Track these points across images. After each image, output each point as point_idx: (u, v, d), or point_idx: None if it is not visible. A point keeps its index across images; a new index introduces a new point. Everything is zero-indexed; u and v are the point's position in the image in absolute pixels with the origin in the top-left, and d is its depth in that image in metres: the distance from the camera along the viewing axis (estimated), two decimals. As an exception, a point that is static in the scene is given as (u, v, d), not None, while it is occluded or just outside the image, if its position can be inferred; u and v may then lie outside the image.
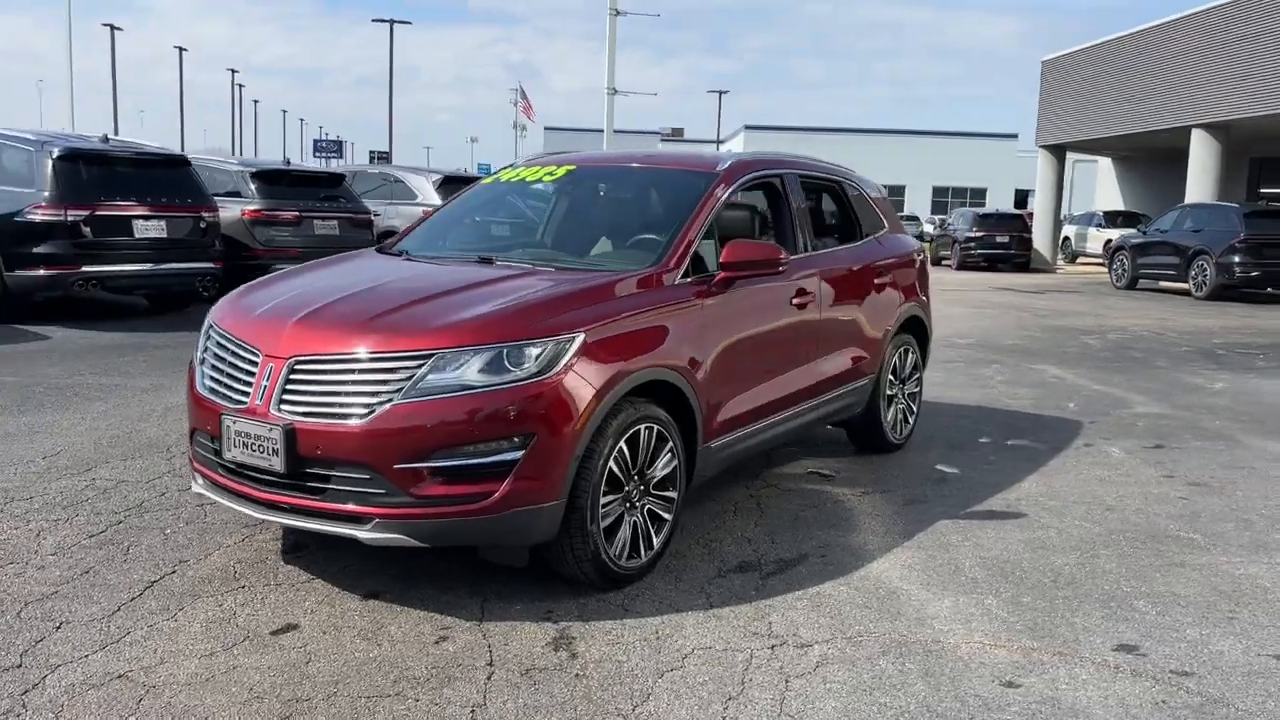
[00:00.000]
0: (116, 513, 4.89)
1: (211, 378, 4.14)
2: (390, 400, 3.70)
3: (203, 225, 11.31)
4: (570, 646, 3.64)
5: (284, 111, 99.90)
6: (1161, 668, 3.60)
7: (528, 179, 5.60)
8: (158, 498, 5.13)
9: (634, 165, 5.55)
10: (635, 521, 4.20)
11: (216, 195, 12.67)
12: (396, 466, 3.67)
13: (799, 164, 5.86)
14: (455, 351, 3.74)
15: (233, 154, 56.09)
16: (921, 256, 6.93)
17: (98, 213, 10.34)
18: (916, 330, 6.71)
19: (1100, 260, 30.71)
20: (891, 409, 6.42)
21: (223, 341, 4.18)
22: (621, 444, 4.05)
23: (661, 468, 4.30)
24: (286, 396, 3.83)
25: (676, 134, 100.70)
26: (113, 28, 54.35)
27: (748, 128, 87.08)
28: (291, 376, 3.85)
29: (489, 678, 3.40)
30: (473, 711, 3.18)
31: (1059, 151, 32.61)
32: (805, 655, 3.63)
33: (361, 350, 3.81)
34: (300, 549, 4.49)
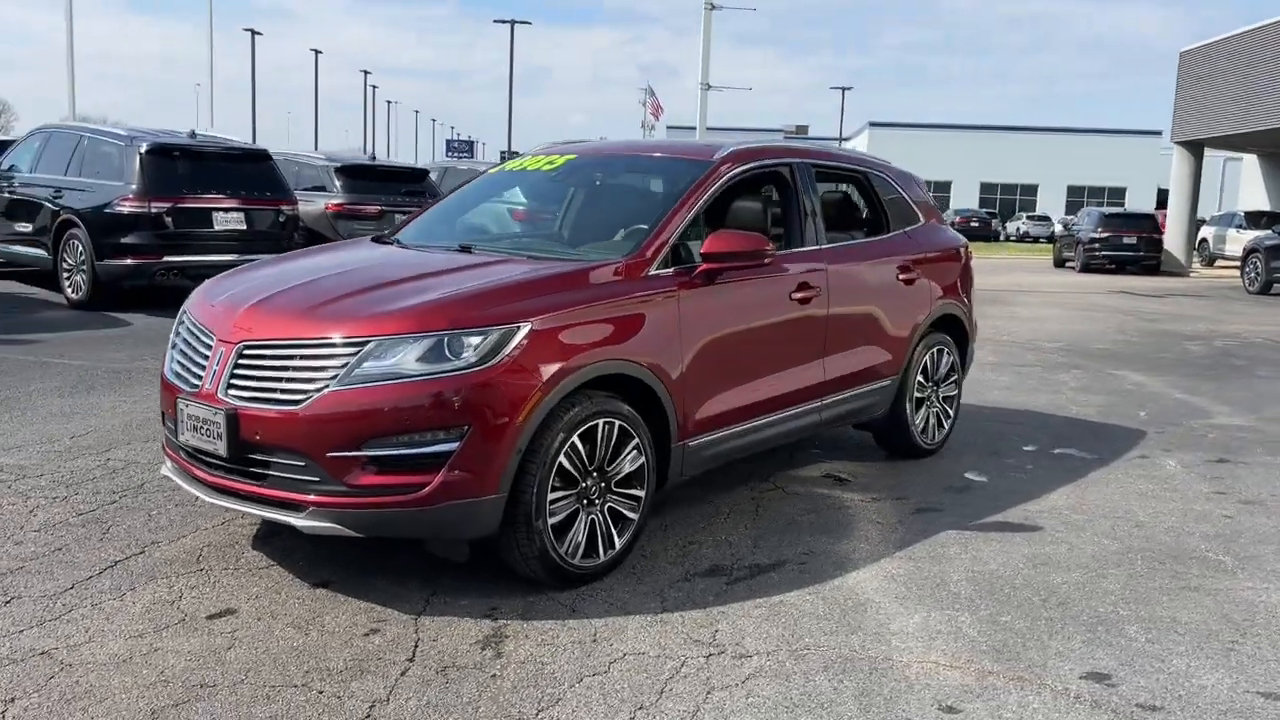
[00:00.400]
0: (115, 493, 5.01)
1: (178, 361, 4.19)
2: (326, 387, 3.66)
3: (282, 218, 11.61)
4: (499, 645, 3.54)
5: (416, 112, 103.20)
6: (1128, 700, 3.27)
7: (529, 169, 5.51)
8: (159, 480, 5.23)
9: (631, 155, 5.41)
10: (594, 519, 4.06)
11: (303, 189, 13.01)
12: (329, 454, 3.62)
13: (813, 154, 5.60)
14: (392, 339, 3.68)
15: (363, 154, 58.50)
16: (966, 253, 6.57)
17: (180, 205, 10.73)
18: (954, 330, 6.36)
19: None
20: (922, 412, 6.11)
21: (189, 326, 4.22)
22: (575, 439, 3.91)
23: (626, 465, 4.15)
24: (234, 381, 3.83)
25: (801, 131, 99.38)
26: (253, 32, 56.83)
27: (873, 125, 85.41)
28: (239, 361, 3.85)
29: (403, 673, 3.32)
30: (371, 707, 3.11)
31: (1196, 148, 30.85)
32: (740, 666, 3.43)
33: (303, 336, 3.78)
34: (272, 535, 4.50)
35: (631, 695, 3.22)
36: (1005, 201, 71.05)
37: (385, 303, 3.90)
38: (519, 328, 3.77)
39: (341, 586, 4.00)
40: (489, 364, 3.69)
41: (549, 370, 3.80)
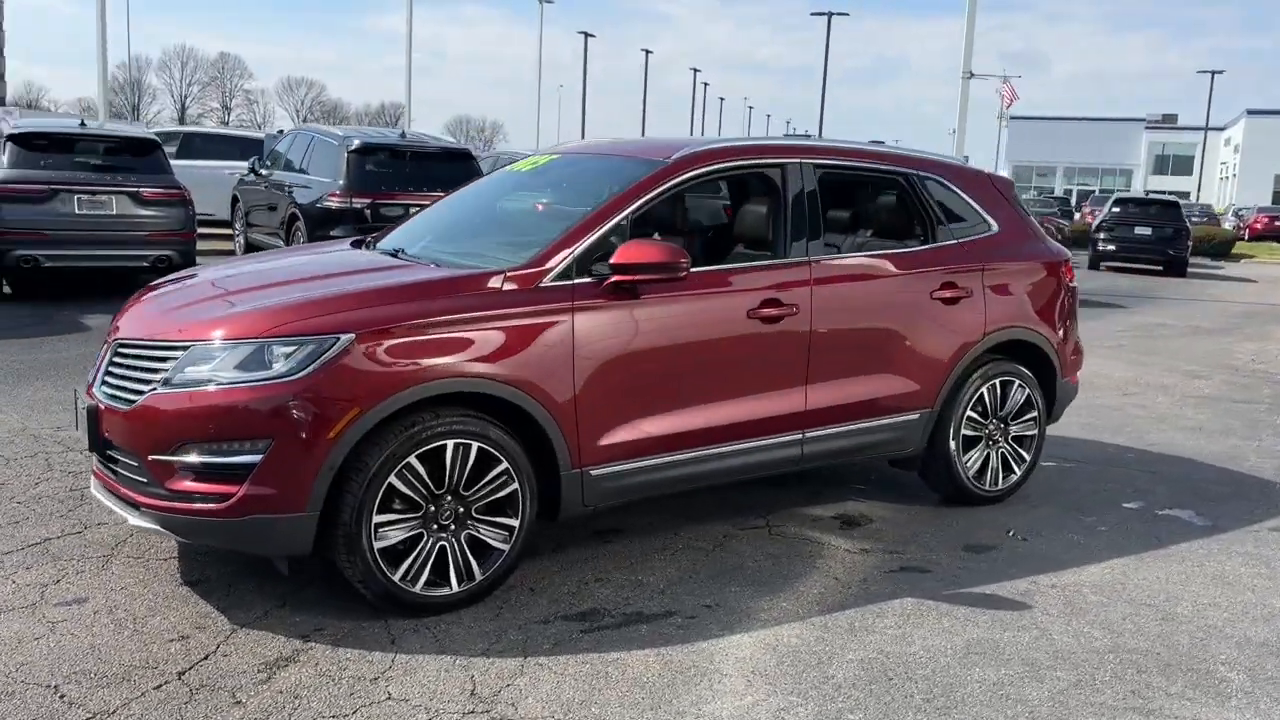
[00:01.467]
0: (83, 474, 5.24)
1: None
2: (153, 389, 3.67)
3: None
4: (279, 672, 3.39)
5: (749, 107, 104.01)
6: None
7: (521, 170, 5.27)
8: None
9: (599, 155, 5.03)
10: (446, 547, 3.81)
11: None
12: (151, 457, 3.64)
13: (820, 153, 4.94)
14: (207, 345, 3.63)
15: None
16: (1062, 270, 5.56)
17: (378, 201, 11.39)
18: (1031, 359, 5.41)
19: None
20: (975, 453, 5.25)
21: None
22: (413, 459, 3.68)
23: (491, 490, 3.86)
24: (105, 377, 3.95)
25: (1169, 120, 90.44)
26: (586, 35, 60.06)
27: (1250, 113, 76.15)
28: (112, 359, 3.96)
29: (156, 687, 3.26)
30: (92, 717, 3.07)
31: None
32: (484, 731, 3.07)
33: (149, 337, 3.83)
34: (203, 527, 4.60)
35: (337, 746, 2.97)
36: None
37: (229, 308, 3.86)
38: (336, 339, 3.59)
39: (206, 587, 4.01)
40: (297, 375, 3.54)
41: (372, 385, 3.59)
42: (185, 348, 3.66)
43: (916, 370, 4.97)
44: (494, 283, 3.96)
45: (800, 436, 4.66)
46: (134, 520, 3.75)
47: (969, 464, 5.25)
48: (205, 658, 3.46)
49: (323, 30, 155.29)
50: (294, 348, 3.58)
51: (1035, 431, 5.47)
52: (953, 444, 5.17)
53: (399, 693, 3.28)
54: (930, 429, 5.11)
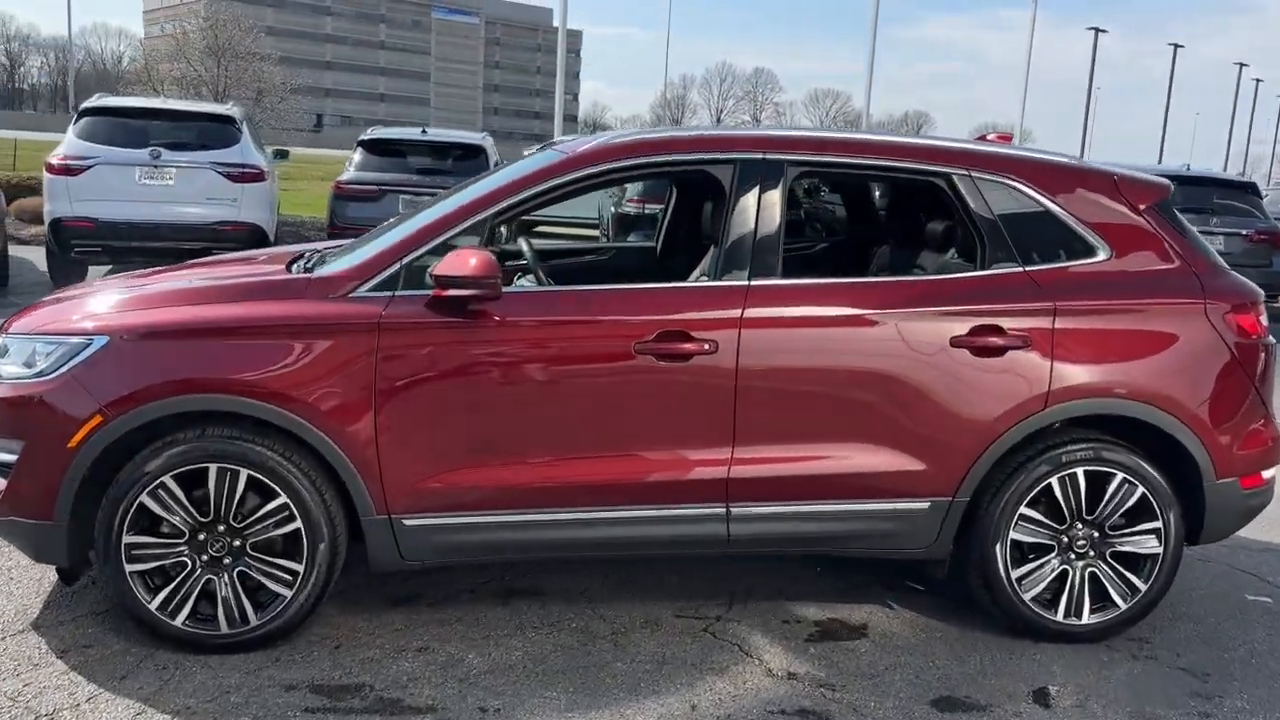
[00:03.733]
0: None
1: None
2: None
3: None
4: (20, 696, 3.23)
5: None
6: None
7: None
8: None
9: (560, 150, 4.22)
10: (218, 583, 3.42)
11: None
12: None
13: (800, 144, 3.74)
14: (6, 340, 3.58)
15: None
16: (1234, 316, 3.77)
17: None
18: (1156, 444, 3.73)
19: None
20: (1040, 567, 3.73)
21: None
22: (169, 479, 3.34)
23: (268, 527, 3.41)
24: None
25: None
26: (1097, 30, 54.63)
27: None
28: None
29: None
30: None
31: None
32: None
33: None
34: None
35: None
36: None
37: (56, 303, 3.78)
38: (90, 341, 3.35)
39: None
40: (49, 376, 3.37)
41: (121, 392, 3.31)
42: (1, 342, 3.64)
43: (923, 443, 3.63)
44: (293, 290, 3.48)
45: (723, 510, 3.59)
46: None
47: (1027, 581, 3.74)
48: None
49: (852, 43, 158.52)
50: (54, 347, 3.41)
51: (1158, 549, 3.76)
52: (997, 551, 3.70)
53: (39, 735, 2.96)
54: (953, 525, 3.71)
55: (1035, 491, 3.70)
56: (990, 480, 3.69)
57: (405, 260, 3.49)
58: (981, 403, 3.62)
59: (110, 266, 10.31)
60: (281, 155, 13.11)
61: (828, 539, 3.74)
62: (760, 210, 3.64)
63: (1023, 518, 3.71)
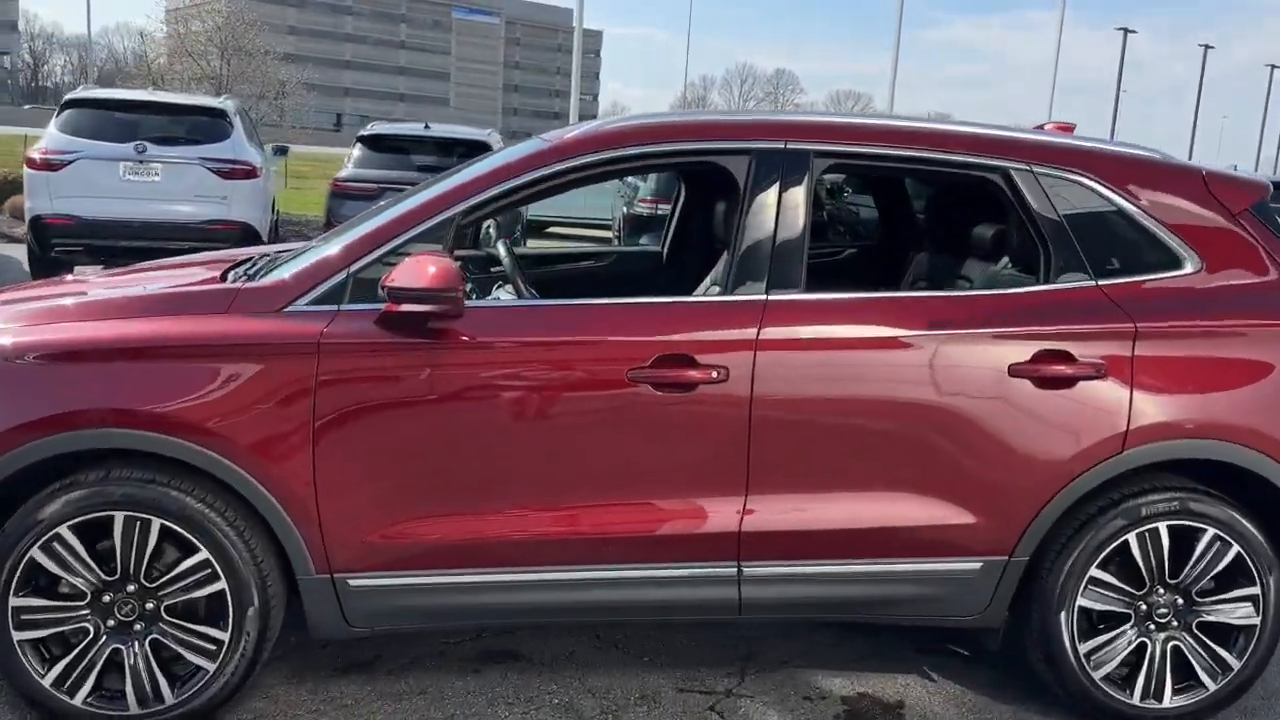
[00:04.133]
0: None
1: None
2: None
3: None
4: None
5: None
6: None
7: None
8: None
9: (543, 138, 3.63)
10: (126, 654, 2.85)
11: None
12: None
13: (828, 132, 3.14)
14: None
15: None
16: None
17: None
18: (1243, 489, 3.11)
19: None
20: (1121, 645, 3.10)
21: None
22: (65, 529, 2.78)
23: (186, 588, 2.84)
24: None
25: None
26: (1126, 30, 53.55)
27: None
28: None
29: None
30: None
31: None
32: None
33: None
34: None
35: None
36: None
37: None
38: (-42, 362, 2.79)
39: None
40: None
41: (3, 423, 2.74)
42: None
43: (975, 491, 3.02)
44: (217, 302, 2.90)
45: (734, 570, 3.00)
46: None
47: (1098, 656, 3.12)
48: None
49: (875, 45, 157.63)
50: (-75, 368, 2.84)
51: (1254, 619, 3.14)
52: (1060, 618, 3.09)
53: None
54: (1009, 589, 3.10)
55: (1108, 550, 3.07)
56: (1055, 536, 3.07)
57: (353, 268, 2.91)
58: (1045, 444, 3.01)
59: (102, 265, 9.83)
60: (281, 151, 12.60)
61: (859, 605, 3.13)
62: (781, 210, 3.04)
63: (1093, 581, 3.09)
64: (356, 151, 10.80)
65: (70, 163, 9.08)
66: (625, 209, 11.21)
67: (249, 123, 10.89)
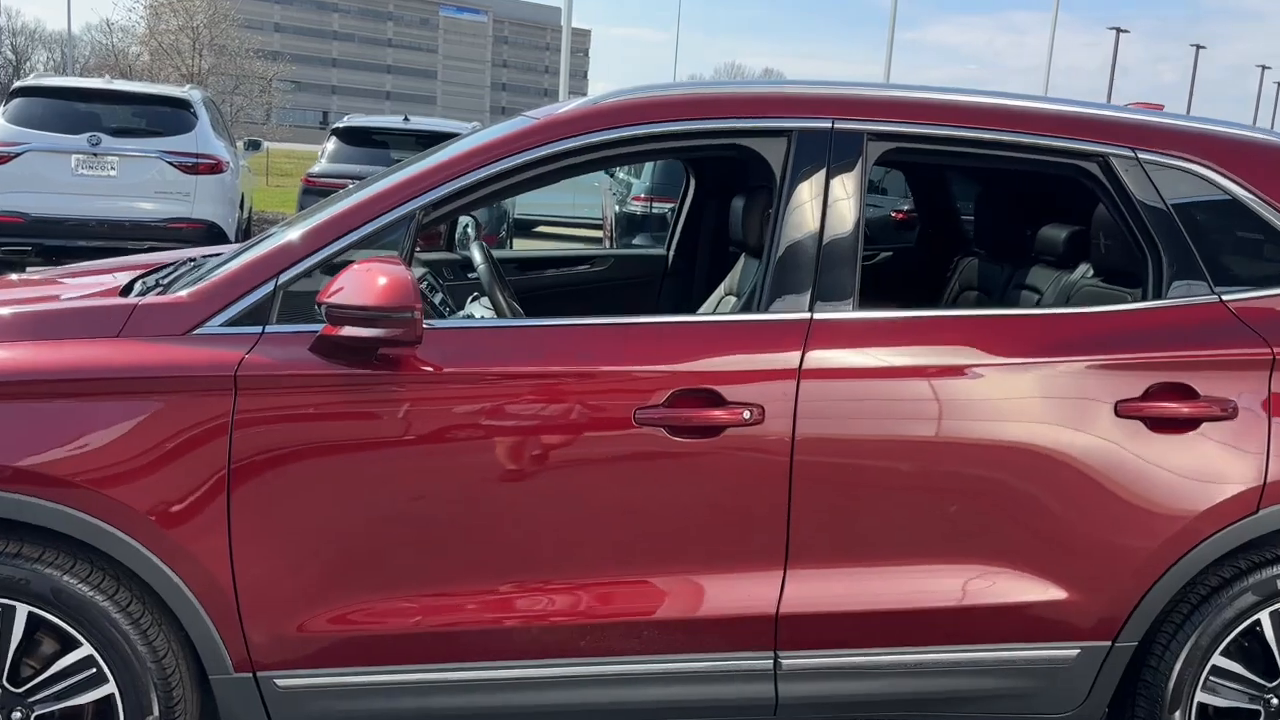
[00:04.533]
0: None
1: None
2: None
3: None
4: None
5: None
6: None
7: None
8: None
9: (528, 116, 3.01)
10: (-10, 770, 2.21)
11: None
12: None
13: (883, 107, 2.51)
14: None
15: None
16: None
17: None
18: None
19: None
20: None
21: None
22: (-95, 619, 2.13)
23: (67, 691, 2.20)
24: None
25: None
26: (1118, 30, 53.10)
27: None
28: None
29: None
30: None
31: None
32: None
33: None
34: None
35: None
36: None
37: None
38: None
39: None
40: None
41: None
42: None
43: (1071, 561, 2.39)
44: (106, 323, 2.25)
45: (769, 662, 2.37)
46: None
47: (1221, 768, 2.50)
48: None
49: (864, 45, 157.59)
50: None
51: None
52: (1176, 717, 2.47)
53: None
54: (1111, 680, 2.48)
55: (1235, 632, 2.46)
56: (1169, 616, 2.46)
57: (281, 279, 2.27)
58: (1161, 502, 2.38)
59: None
60: (254, 146, 11.94)
61: (922, 703, 2.50)
62: (829, 205, 2.40)
63: (1216, 671, 2.47)
64: (331, 145, 10.16)
65: (18, 155, 8.43)
66: (617, 207, 10.55)
67: (217, 114, 10.23)
